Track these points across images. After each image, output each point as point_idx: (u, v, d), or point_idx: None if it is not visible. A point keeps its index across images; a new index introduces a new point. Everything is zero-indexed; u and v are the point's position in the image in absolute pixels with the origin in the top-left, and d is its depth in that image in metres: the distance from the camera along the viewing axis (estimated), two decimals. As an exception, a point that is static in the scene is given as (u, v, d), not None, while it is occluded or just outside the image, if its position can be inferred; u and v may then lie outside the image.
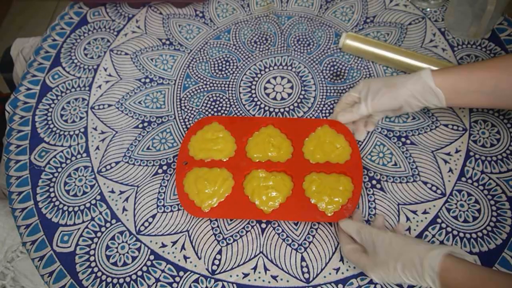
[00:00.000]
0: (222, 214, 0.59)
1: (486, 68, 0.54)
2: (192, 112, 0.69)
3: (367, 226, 0.54)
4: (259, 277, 0.57)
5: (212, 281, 0.57)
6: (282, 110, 0.69)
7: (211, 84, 0.72)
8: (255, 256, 0.58)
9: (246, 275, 0.57)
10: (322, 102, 0.69)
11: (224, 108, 0.69)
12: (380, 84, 0.59)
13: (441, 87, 0.55)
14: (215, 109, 0.69)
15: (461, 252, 0.48)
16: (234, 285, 0.56)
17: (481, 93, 0.55)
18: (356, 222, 0.56)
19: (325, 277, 0.56)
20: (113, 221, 0.61)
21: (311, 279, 0.56)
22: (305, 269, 0.57)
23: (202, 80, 0.73)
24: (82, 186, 0.64)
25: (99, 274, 0.58)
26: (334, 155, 0.61)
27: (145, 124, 0.69)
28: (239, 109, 0.69)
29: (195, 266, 0.58)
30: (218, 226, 0.60)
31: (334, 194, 0.58)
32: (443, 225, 0.59)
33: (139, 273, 0.58)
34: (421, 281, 0.47)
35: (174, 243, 0.59)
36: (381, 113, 0.62)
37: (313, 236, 0.59)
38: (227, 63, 0.74)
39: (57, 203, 0.63)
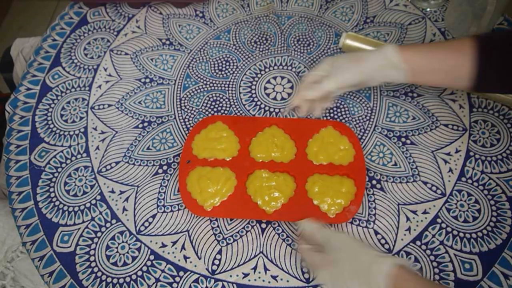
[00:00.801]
0: (224, 214, 0.59)
1: (447, 48, 0.56)
2: (192, 112, 0.69)
3: (325, 227, 0.55)
4: (259, 277, 0.57)
5: (212, 281, 0.57)
6: (282, 110, 0.69)
7: (211, 84, 0.72)
8: (255, 256, 0.58)
9: (246, 275, 0.57)
10: (322, 102, 0.69)
11: (224, 108, 0.69)
12: (344, 60, 0.59)
13: (404, 63, 0.56)
14: (215, 109, 0.69)
15: (411, 266, 0.48)
16: (234, 285, 0.56)
17: (441, 72, 0.57)
18: (315, 223, 0.55)
19: (325, 277, 0.56)
20: (113, 221, 0.61)
21: (311, 279, 0.56)
22: (305, 269, 0.57)
23: (202, 80, 0.73)
24: (82, 186, 0.64)
25: (99, 274, 0.58)
26: (338, 156, 0.61)
27: (145, 124, 0.69)
28: (239, 109, 0.69)
29: (195, 266, 0.58)
30: (218, 226, 0.60)
31: (336, 196, 0.58)
32: (443, 225, 0.59)
33: (139, 273, 0.58)
34: (367, 286, 0.46)
35: (174, 243, 0.59)
36: (344, 88, 0.61)
37: (313, 236, 0.59)
38: (227, 63, 0.74)
39: (57, 203, 0.63)
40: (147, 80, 0.73)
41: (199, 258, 0.58)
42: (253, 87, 0.71)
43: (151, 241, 0.60)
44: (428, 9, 0.77)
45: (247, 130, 0.64)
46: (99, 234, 0.61)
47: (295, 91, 0.63)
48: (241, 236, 0.59)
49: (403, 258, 0.50)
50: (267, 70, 0.73)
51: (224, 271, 0.57)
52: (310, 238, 0.54)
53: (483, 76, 0.55)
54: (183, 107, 0.70)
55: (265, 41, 0.76)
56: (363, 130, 0.66)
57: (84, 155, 0.67)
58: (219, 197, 0.59)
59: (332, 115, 0.68)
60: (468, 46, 0.55)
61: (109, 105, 0.71)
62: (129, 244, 0.60)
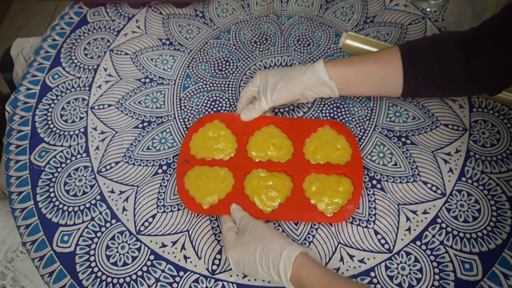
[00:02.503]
0: (222, 211, 0.59)
1: (374, 61, 0.59)
2: (192, 112, 0.69)
3: (250, 217, 0.56)
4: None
5: (212, 281, 0.57)
6: (281, 110, 0.69)
7: (211, 84, 0.72)
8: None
9: (246, 275, 0.57)
10: (322, 103, 0.69)
11: (224, 108, 0.69)
12: (276, 77, 0.60)
13: (333, 79, 0.59)
14: (215, 109, 0.69)
15: (317, 257, 0.52)
16: (234, 285, 0.56)
17: (369, 84, 0.60)
18: (243, 211, 0.57)
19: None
20: (113, 221, 0.61)
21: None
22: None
23: (202, 80, 0.73)
24: (82, 186, 0.64)
25: (99, 274, 0.58)
26: (335, 156, 0.61)
27: (145, 124, 0.69)
28: (239, 109, 0.69)
29: (195, 266, 0.58)
30: (218, 226, 0.60)
31: (334, 195, 0.58)
32: (443, 225, 0.59)
33: (139, 273, 0.58)
34: (274, 269, 0.49)
35: (174, 243, 0.59)
36: (280, 105, 0.65)
37: (313, 236, 0.59)
38: (227, 63, 0.74)
39: (57, 203, 0.63)
40: (147, 80, 0.73)
41: (199, 258, 0.58)
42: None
43: (151, 241, 0.60)
44: (428, 9, 0.77)
45: (244, 129, 0.64)
46: (99, 234, 0.61)
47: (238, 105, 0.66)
48: (241, 236, 0.59)
49: (308, 247, 0.54)
50: (267, 70, 0.73)
51: (224, 271, 0.57)
52: (236, 222, 0.57)
53: (410, 84, 0.58)
54: (183, 107, 0.70)
55: (265, 41, 0.76)
56: (363, 130, 0.66)
57: (84, 155, 0.67)
58: (216, 195, 0.59)
59: (332, 115, 0.68)
60: (394, 56, 0.58)
61: (109, 105, 0.71)
62: (129, 244, 0.60)
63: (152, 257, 0.59)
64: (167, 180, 0.64)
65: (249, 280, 0.56)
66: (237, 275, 0.57)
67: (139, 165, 0.65)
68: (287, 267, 0.48)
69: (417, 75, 0.57)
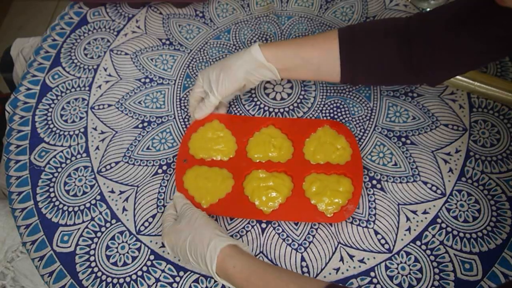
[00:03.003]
0: (221, 212, 0.59)
1: (311, 47, 0.58)
2: (192, 112, 0.69)
3: (191, 206, 0.57)
4: (259, 277, 0.57)
5: (212, 281, 0.57)
6: (281, 110, 0.69)
7: (211, 84, 0.72)
8: (255, 256, 0.58)
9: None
10: (322, 102, 0.69)
11: (224, 108, 0.69)
12: (217, 70, 0.60)
13: (272, 62, 0.58)
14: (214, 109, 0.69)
15: (247, 248, 0.51)
16: (234, 285, 0.56)
17: (307, 69, 0.59)
18: (186, 199, 0.58)
19: (325, 277, 0.56)
20: (113, 221, 0.61)
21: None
22: (305, 269, 0.57)
23: (202, 80, 0.72)
24: (82, 186, 0.64)
25: (99, 274, 0.58)
26: (335, 156, 0.61)
27: (145, 124, 0.69)
28: (238, 109, 0.69)
29: (195, 266, 0.58)
30: (218, 226, 0.60)
31: (334, 195, 0.58)
32: (443, 225, 0.59)
33: (139, 273, 0.58)
34: (201, 260, 0.49)
35: (174, 243, 0.59)
36: (229, 96, 0.64)
37: (313, 236, 0.59)
38: (227, 63, 0.74)
39: (57, 203, 0.63)
40: (147, 80, 0.73)
41: (199, 258, 0.58)
42: (253, 87, 0.71)
43: (151, 241, 0.60)
44: (428, 9, 0.77)
45: (244, 130, 0.64)
46: (99, 234, 0.61)
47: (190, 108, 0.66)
48: (241, 236, 0.59)
49: (241, 242, 0.53)
50: (267, 70, 0.73)
51: (224, 271, 0.57)
52: (177, 209, 0.57)
53: (348, 71, 0.57)
54: (183, 107, 0.70)
55: (265, 41, 0.76)
56: (363, 130, 0.66)
57: (84, 155, 0.67)
58: (216, 195, 0.59)
59: (332, 115, 0.68)
60: (331, 41, 0.57)
61: (109, 105, 0.71)
62: (129, 244, 0.60)
63: (152, 257, 0.59)
64: (167, 180, 0.64)
65: (249, 280, 0.56)
66: (237, 275, 0.57)
67: (139, 165, 0.65)
68: (213, 258, 0.48)
69: (353, 62, 0.56)
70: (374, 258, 0.57)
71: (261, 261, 0.51)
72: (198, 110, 0.63)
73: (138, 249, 0.59)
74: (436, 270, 0.56)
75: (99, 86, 0.73)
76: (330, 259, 0.57)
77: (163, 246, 0.59)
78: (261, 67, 0.59)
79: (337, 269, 0.57)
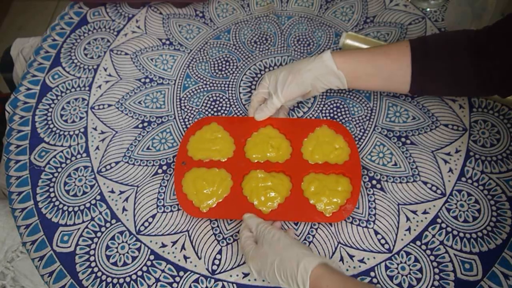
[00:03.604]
0: (221, 215, 0.59)
1: (384, 55, 0.58)
2: (192, 112, 0.69)
3: (266, 223, 0.55)
4: (259, 277, 0.57)
5: (212, 281, 0.57)
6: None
7: (211, 84, 0.72)
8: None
9: (246, 275, 0.57)
10: (322, 102, 0.69)
11: (224, 108, 0.69)
12: (285, 73, 0.60)
13: (342, 70, 0.58)
14: (215, 109, 0.69)
15: (336, 265, 0.50)
16: (234, 285, 0.56)
17: (378, 78, 0.59)
18: (258, 218, 0.57)
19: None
20: (113, 221, 0.61)
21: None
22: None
23: (202, 80, 0.73)
24: (82, 186, 0.64)
25: (99, 274, 0.58)
26: (333, 155, 0.61)
27: (145, 124, 0.69)
28: (239, 109, 0.69)
29: (195, 266, 0.58)
30: (218, 226, 0.60)
31: (332, 195, 0.58)
32: (443, 225, 0.59)
33: (139, 273, 0.58)
34: (292, 282, 0.48)
35: (174, 243, 0.59)
36: (292, 101, 0.64)
37: (313, 236, 0.59)
38: (227, 63, 0.74)
39: (57, 203, 0.63)
40: (147, 80, 0.73)
41: (199, 258, 0.58)
42: (253, 87, 0.71)
43: (151, 241, 0.60)
44: (428, 9, 0.77)
45: (242, 130, 0.64)
46: (99, 234, 0.61)
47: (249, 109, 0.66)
48: (241, 236, 0.59)
49: (328, 258, 0.53)
50: (267, 70, 0.73)
51: (224, 271, 0.57)
52: (252, 230, 0.56)
53: (419, 82, 0.57)
54: (183, 107, 0.70)
55: (265, 41, 0.76)
56: (362, 130, 0.66)
57: (84, 155, 0.67)
58: (215, 198, 0.59)
59: (332, 115, 0.68)
60: (404, 51, 0.57)
61: (109, 105, 0.71)
62: (129, 244, 0.60)
63: (152, 257, 0.59)
64: (167, 180, 0.64)
65: (249, 280, 0.56)
66: (237, 275, 0.57)
67: (139, 165, 0.65)
68: (305, 280, 0.47)
69: (425, 73, 0.56)
70: (374, 258, 0.57)
71: (353, 278, 0.50)
72: (259, 111, 0.63)
73: (138, 249, 0.59)
74: (436, 270, 0.56)
75: (99, 86, 0.73)
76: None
77: (163, 246, 0.59)
78: (330, 74, 0.58)
79: (337, 269, 0.56)
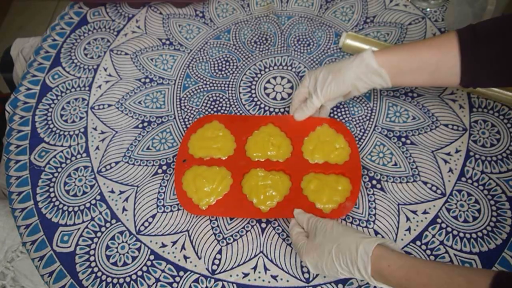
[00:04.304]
0: (220, 212, 0.59)
1: (428, 47, 0.55)
2: (192, 112, 0.69)
3: (316, 217, 0.55)
4: (259, 277, 0.57)
5: (212, 281, 0.57)
6: (282, 110, 0.69)
7: (211, 84, 0.72)
8: (255, 256, 0.58)
9: (246, 274, 0.57)
10: (322, 102, 0.69)
11: (224, 108, 0.70)
12: (325, 72, 0.59)
13: (384, 67, 0.56)
14: (215, 109, 0.69)
15: (395, 245, 0.49)
16: (234, 285, 0.56)
17: (423, 72, 0.55)
18: (308, 213, 0.56)
19: (325, 277, 0.56)
20: (113, 221, 0.61)
21: (311, 279, 0.56)
22: (305, 269, 0.57)
23: (202, 80, 0.73)
24: (82, 186, 0.64)
25: (99, 274, 0.58)
26: (334, 155, 0.61)
27: (145, 124, 0.69)
28: (239, 109, 0.69)
29: (195, 266, 0.58)
30: (218, 226, 0.60)
31: (332, 193, 0.58)
32: (443, 225, 0.59)
33: (139, 273, 0.58)
34: (353, 267, 0.48)
35: (174, 243, 0.59)
36: (332, 101, 0.63)
37: (313, 236, 0.59)
38: (227, 63, 0.74)
39: (57, 203, 0.63)
40: (147, 80, 0.73)
41: (199, 258, 0.58)
42: (253, 87, 0.71)
43: (151, 241, 0.60)
44: (428, 9, 0.77)
45: (243, 129, 0.64)
46: (99, 234, 0.61)
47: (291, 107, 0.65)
48: (241, 236, 0.59)
49: (388, 240, 0.51)
50: (267, 70, 0.73)
51: (224, 271, 0.57)
52: (303, 226, 0.56)
53: (470, 72, 0.53)
54: (183, 107, 0.70)
55: (265, 41, 0.76)
56: (363, 130, 0.66)
57: (84, 155, 0.67)
58: (214, 196, 0.59)
59: (332, 115, 0.68)
60: (450, 41, 0.53)
61: (109, 105, 0.71)
62: (129, 244, 0.60)
63: (152, 257, 0.59)
64: (167, 180, 0.64)
65: (249, 280, 0.56)
66: (237, 275, 0.57)
67: (139, 165, 0.65)
68: (366, 262, 0.47)
69: (476, 62, 0.52)
70: (374, 258, 0.57)
71: (413, 256, 0.48)
72: (299, 111, 0.63)
73: (138, 249, 0.59)
74: (436, 270, 0.56)
75: (99, 86, 0.73)
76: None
77: (163, 246, 0.59)
78: (372, 72, 0.56)
79: (337, 269, 0.56)
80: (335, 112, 0.68)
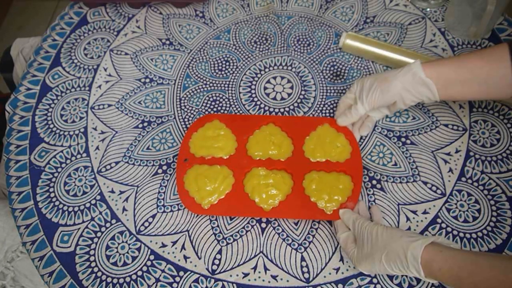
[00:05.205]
0: (222, 212, 0.59)
1: (478, 57, 0.54)
2: (192, 112, 0.69)
3: (362, 217, 0.55)
4: (259, 277, 0.57)
5: (212, 281, 0.57)
6: (282, 110, 0.69)
7: (211, 84, 0.72)
8: (255, 256, 0.58)
9: (246, 274, 0.57)
10: (322, 102, 0.69)
11: (224, 108, 0.70)
12: (372, 80, 0.59)
13: (432, 78, 0.55)
14: (215, 109, 0.69)
15: (445, 241, 0.49)
16: (234, 285, 0.56)
17: (473, 83, 0.54)
18: (353, 212, 0.57)
19: (325, 277, 0.56)
20: (113, 221, 0.61)
21: (311, 279, 0.56)
22: (305, 269, 0.57)
23: (202, 80, 0.73)
24: (82, 186, 0.64)
25: (99, 274, 0.58)
26: (335, 153, 0.61)
27: (145, 124, 0.69)
28: (239, 109, 0.69)
29: (195, 266, 0.58)
30: (218, 226, 0.60)
31: (333, 193, 0.58)
32: (443, 225, 0.59)
33: (139, 273, 0.58)
34: (407, 271, 0.48)
35: (174, 243, 0.59)
36: (377, 111, 0.63)
37: (313, 236, 0.59)
38: (227, 63, 0.74)
39: (57, 203, 0.63)
40: (147, 80, 0.73)
41: (199, 258, 0.58)
42: (253, 87, 0.71)
43: (151, 241, 0.60)
44: (428, 9, 0.77)
45: (244, 128, 0.64)
46: (99, 234, 0.61)
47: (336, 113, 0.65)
48: (241, 236, 0.59)
49: (434, 236, 0.51)
50: (267, 70, 0.73)
51: (224, 271, 0.57)
52: (349, 227, 0.55)
53: None
54: (183, 107, 0.70)
55: (265, 41, 0.76)
56: (363, 130, 0.66)
57: (84, 155, 0.67)
58: (216, 195, 0.59)
59: (332, 115, 0.68)
60: (501, 52, 0.52)
61: (109, 105, 0.71)
62: (129, 244, 0.60)
63: (152, 257, 0.59)
64: (167, 180, 0.64)
65: (249, 280, 0.56)
66: (237, 275, 0.57)
67: (139, 165, 0.65)
68: (418, 268, 0.47)
69: None
70: (374, 258, 0.57)
71: (465, 251, 0.47)
72: (343, 116, 0.63)
73: (138, 249, 0.59)
74: (436, 270, 0.56)
75: (99, 86, 0.73)
76: (330, 259, 0.57)
77: (163, 246, 0.59)
78: (419, 83, 0.55)
79: (337, 269, 0.57)
80: (335, 112, 0.68)
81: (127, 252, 0.59)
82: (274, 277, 0.57)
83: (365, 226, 0.53)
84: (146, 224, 0.61)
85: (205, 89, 0.72)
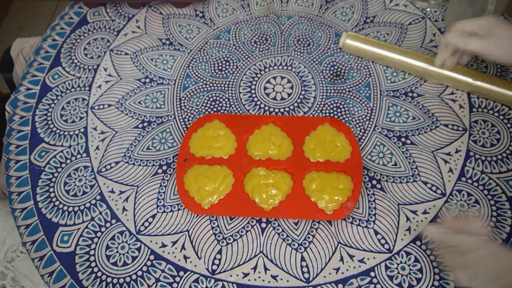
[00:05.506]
0: (222, 212, 0.59)
1: None
2: (192, 112, 0.69)
3: (450, 232, 0.50)
4: (259, 277, 0.57)
5: (212, 281, 0.57)
6: (282, 110, 0.69)
7: (211, 84, 0.72)
8: (255, 256, 0.58)
9: (246, 274, 0.57)
10: (322, 102, 0.69)
11: (224, 108, 0.70)
12: (509, 33, 0.54)
13: None
14: (215, 109, 0.69)
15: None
16: (234, 285, 0.56)
17: None
18: (441, 227, 0.52)
19: (325, 277, 0.56)
20: (113, 221, 0.61)
21: (311, 279, 0.56)
22: (305, 269, 0.57)
23: (202, 80, 0.73)
24: (82, 186, 0.64)
25: (99, 274, 0.58)
26: (335, 153, 0.61)
27: (145, 124, 0.69)
28: (239, 109, 0.69)
29: (195, 266, 0.58)
30: (218, 226, 0.60)
31: (334, 193, 0.58)
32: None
33: (139, 273, 0.58)
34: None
35: (174, 243, 0.59)
36: (467, 39, 0.57)
37: (313, 236, 0.59)
38: (227, 63, 0.74)
39: (57, 203, 0.63)
40: (147, 80, 0.73)
41: (199, 258, 0.58)
42: (253, 87, 0.71)
43: (151, 241, 0.60)
44: (428, 9, 0.77)
45: (244, 128, 0.64)
46: (99, 234, 0.61)
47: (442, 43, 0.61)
48: (241, 236, 0.59)
49: None
50: (267, 70, 0.73)
51: (224, 271, 0.57)
52: (444, 241, 0.52)
53: None
54: (183, 107, 0.70)
55: (265, 41, 0.76)
56: (363, 130, 0.66)
57: (84, 155, 0.67)
58: (216, 195, 0.59)
59: (332, 115, 0.68)
60: None
61: (109, 105, 0.71)
62: (129, 244, 0.60)
63: (152, 257, 0.59)
64: (167, 180, 0.64)
65: (249, 280, 0.56)
66: (237, 275, 0.57)
67: (139, 165, 0.65)
68: None
69: None
70: (374, 258, 0.57)
71: None
72: (462, 35, 0.56)
73: (138, 249, 0.59)
74: (436, 270, 0.56)
75: (99, 86, 0.73)
76: (330, 259, 0.57)
77: (163, 246, 0.59)
78: None
79: (337, 269, 0.57)
80: (335, 112, 0.68)
81: (127, 252, 0.59)
82: (274, 277, 0.57)
83: (462, 240, 0.49)
84: (146, 224, 0.61)
85: (205, 89, 0.72)
